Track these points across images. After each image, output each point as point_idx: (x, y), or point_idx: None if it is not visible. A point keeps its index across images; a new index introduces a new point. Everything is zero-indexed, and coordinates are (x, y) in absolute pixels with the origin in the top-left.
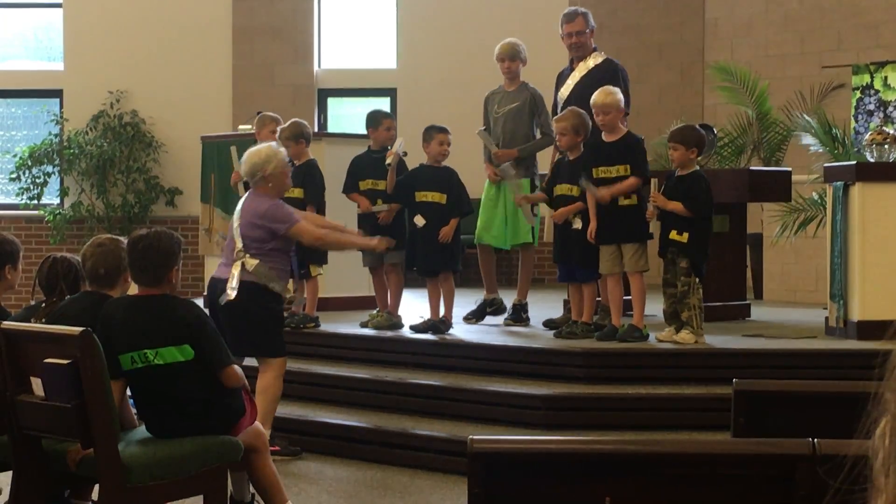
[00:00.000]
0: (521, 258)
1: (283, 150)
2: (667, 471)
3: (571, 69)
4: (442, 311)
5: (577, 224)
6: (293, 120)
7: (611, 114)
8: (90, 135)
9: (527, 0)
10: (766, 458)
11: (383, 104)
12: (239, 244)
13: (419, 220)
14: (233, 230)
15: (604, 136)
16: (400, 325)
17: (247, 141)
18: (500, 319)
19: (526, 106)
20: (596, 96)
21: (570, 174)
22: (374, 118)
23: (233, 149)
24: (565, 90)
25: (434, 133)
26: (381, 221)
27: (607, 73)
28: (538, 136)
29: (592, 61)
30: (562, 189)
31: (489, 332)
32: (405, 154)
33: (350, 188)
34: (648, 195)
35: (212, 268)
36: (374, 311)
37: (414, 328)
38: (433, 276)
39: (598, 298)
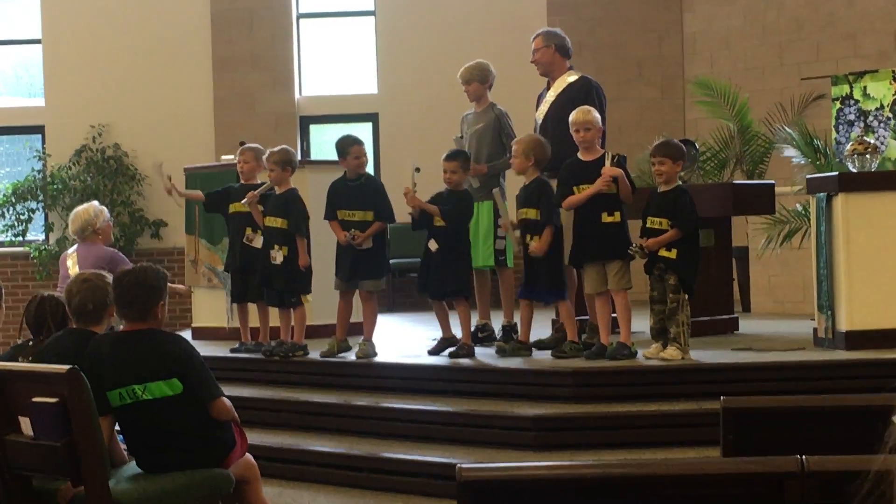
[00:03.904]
0: (500, 281)
1: (104, 208)
2: (655, 492)
3: (547, 90)
4: (460, 335)
5: (534, 244)
6: (284, 147)
7: (591, 130)
8: (73, 170)
9: (507, 22)
10: (753, 477)
11: (365, 129)
12: None
13: (432, 245)
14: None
15: (581, 156)
16: (374, 354)
17: (226, 172)
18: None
19: (490, 127)
20: (575, 114)
21: (525, 198)
22: (341, 149)
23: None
24: (541, 112)
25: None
26: (342, 242)
27: (581, 92)
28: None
29: (566, 81)
30: (525, 213)
31: (478, 354)
32: (418, 170)
33: (329, 215)
34: (630, 212)
35: (199, 299)
36: (331, 339)
37: (431, 352)
38: (444, 299)
39: (586, 317)
